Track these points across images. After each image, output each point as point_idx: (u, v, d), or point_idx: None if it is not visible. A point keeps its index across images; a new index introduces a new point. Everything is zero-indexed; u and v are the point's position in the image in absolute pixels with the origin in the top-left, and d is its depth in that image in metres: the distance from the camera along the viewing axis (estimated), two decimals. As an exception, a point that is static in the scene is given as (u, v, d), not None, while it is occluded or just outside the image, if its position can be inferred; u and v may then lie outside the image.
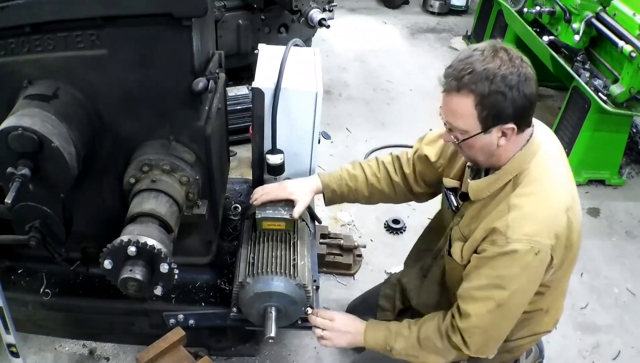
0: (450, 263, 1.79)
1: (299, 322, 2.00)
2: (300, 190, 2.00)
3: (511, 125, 1.50)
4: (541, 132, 1.66)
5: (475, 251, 1.64)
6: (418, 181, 2.01)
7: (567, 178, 1.66)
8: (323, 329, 1.91)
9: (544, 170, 1.59)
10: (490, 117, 1.49)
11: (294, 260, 1.92)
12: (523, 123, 1.53)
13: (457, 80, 1.48)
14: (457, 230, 1.76)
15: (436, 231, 2.02)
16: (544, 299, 1.73)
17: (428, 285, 1.98)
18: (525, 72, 1.47)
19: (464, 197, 1.75)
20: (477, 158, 1.62)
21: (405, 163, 2.02)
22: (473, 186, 1.66)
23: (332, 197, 2.08)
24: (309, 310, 1.92)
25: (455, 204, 1.80)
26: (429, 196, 2.07)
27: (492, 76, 1.44)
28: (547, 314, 1.82)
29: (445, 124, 1.59)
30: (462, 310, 1.66)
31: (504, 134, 1.52)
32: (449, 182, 1.84)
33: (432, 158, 1.92)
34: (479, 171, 1.72)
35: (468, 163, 1.75)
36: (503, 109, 1.47)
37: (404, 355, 1.81)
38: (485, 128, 1.51)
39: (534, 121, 1.62)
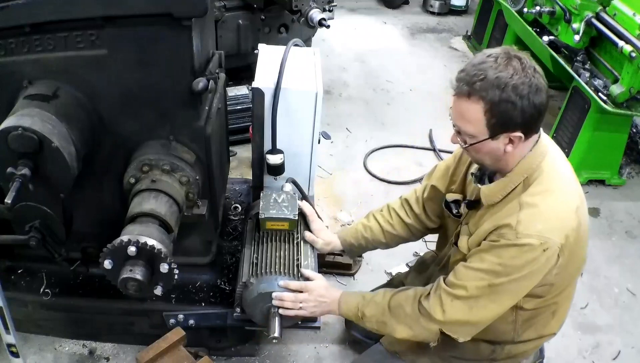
0: (456, 255, 1.80)
1: (300, 323, 2.00)
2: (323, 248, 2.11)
3: (519, 133, 1.51)
4: (545, 136, 1.68)
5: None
6: (430, 217, 2.05)
7: (574, 179, 1.68)
8: (298, 302, 1.87)
9: (553, 171, 1.61)
10: (498, 125, 1.50)
11: (298, 260, 1.92)
12: (530, 131, 1.54)
13: (468, 85, 1.49)
14: (465, 228, 1.77)
15: (440, 244, 2.05)
16: (550, 300, 1.73)
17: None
18: (537, 82, 1.48)
19: (472, 205, 1.76)
20: (484, 162, 1.65)
21: (414, 204, 2.07)
22: (485, 191, 1.67)
23: (351, 250, 2.17)
24: (289, 281, 1.86)
25: (457, 211, 1.83)
26: (437, 229, 2.11)
27: (504, 85, 1.45)
28: (553, 316, 1.82)
29: (453, 125, 1.61)
30: (449, 280, 1.67)
31: (511, 141, 1.54)
32: (450, 196, 1.88)
33: (442, 186, 1.96)
34: (482, 177, 1.73)
35: (471, 171, 1.78)
36: (512, 118, 1.48)
37: (374, 323, 1.81)
38: (493, 135, 1.52)
39: None
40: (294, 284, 1.86)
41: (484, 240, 1.63)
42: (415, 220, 2.08)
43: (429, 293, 1.72)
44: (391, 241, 2.13)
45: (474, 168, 1.78)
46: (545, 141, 1.64)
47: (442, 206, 1.94)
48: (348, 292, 1.92)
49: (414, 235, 2.12)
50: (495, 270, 1.58)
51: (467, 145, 1.58)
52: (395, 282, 2.29)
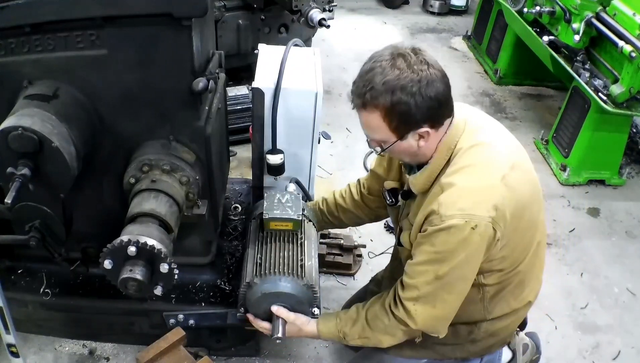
0: (404, 252, 1.81)
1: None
2: None
3: (425, 128, 1.53)
4: (463, 111, 1.67)
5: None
6: (374, 201, 2.10)
7: (503, 145, 1.65)
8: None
9: (472, 144, 1.60)
10: (401, 126, 1.52)
11: (302, 260, 1.92)
12: (436, 122, 1.55)
13: (360, 97, 1.53)
14: (406, 222, 1.78)
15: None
16: (511, 271, 1.71)
17: (393, 281, 1.99)
18: (426, 75, 1.48)
19: (407, 195, 1.79)
20: (404, 160, 1.70)
21: (363, 187, 2.13)
22: (412, 180, 1.69)
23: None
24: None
25: (392, 200, 1.87)
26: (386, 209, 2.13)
27: (392, 89, 1.47)
28: (522, 288, 1.80)
29: (366, 135, 1.64)
30: (404, 282, 1.68)
31: (420, 136, 1.55)
32: (388, 184, 1.91)
33: (381, 172, 1.99)
34: (412, 166, 1.74)
35: (400, 161, 1.81)
36: (411, 117, 1.50)
37: (357, 339, 1.82)
38: (400, 136, 1.55)
39: (455, 105, 1.62)
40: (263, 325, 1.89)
41: (419, 232, 1.63)
42: (363, 199, 2.12)
43: (395, 301, 1.72)
44: (345, 217, 2.19)
45: None
46: (462, 115, 1.64)
47: (381, 186, 1.97)
48: (323, 317, 1.91)
49: (366, 215, 2.17)
50: (434, 259, 1.58)
51: (381, 150, 1.62)
52: (377, 278, 2.31)
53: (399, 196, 1.85)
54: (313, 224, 2.14)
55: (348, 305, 2.44)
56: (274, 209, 1.96)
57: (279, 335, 1.83)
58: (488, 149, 1.61)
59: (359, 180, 2.17)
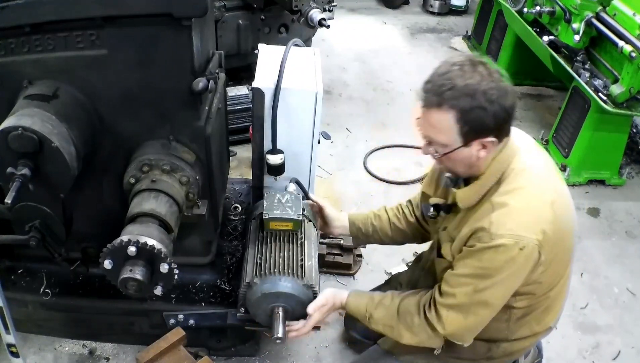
0: (441, 264, 1.80)
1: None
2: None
3: (491, 138, 1.52)
4: (516, 133, 1.68)
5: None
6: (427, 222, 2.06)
7: (550, 172, 1.67)
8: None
9: (524, 167, 1.60)
10: (471, 132, 1.51)
11: (302, 260, 1.92)
12: (502, 135, 1.55)
13: (437, 95, 1.49)
14: (445, 234, 1.78)
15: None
16: (541, 297, 1.73)
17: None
18: (504, 86, 1.49)
19: (449, 209, 1.77)
20: (456, 170, 1.65)
21: (416, 207, 2.09)
22: (460, 194, 1.67)
23: (357, 236, 2.17)
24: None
25: (435, 213, 1.83)
26: None
27: (474, 92, 1.45)
28: (547, 312, 1.82)
29: (424, 137, 1.61)
30: (442, 289, 1.69)
31: (483, 146, 1.54)
32: (433, 200, 1.88)
33: (431, 192, 1.94)
34: (457, 180, 1.74)
35: (446, 174, 1.77)
36: (484, 124, 1.49)
37: (381, 326, 1.82)
38: (466, 142, 1.53)
39: None
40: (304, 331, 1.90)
41: (464, 245, 1.63)
42: (415, 222, 2.09)
43: (430, 304, 1.73)
44: (396, 236, 2.14)
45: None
46: (517, 138, 1.64)
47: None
48: (356, 292, 1.93)
49: (415, 237, 2.14)
50: (477, 274, 1.59)
51: (439, 155, 1.58)
52: (392, 282, 2.30)
53: (440, 211, 1.82)
54: (313, 224, 2.14)
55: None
56: (274, 209, 1.96)
57: (280, 335, 1.82)
58: (539, 174, 1.63)
59: (410, 201, 2.13)
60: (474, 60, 1.51)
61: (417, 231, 2.11)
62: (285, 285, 1.84)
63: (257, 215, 2.09)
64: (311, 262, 1.95)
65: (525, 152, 1.64)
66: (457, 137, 1.52)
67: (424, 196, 1.99)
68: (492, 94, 1.46)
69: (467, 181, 1.68)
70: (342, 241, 2.81)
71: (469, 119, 1.48)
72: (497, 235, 1.52)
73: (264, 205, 1.97)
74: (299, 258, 1.92)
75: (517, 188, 1.57)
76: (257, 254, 1.94)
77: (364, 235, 2.16)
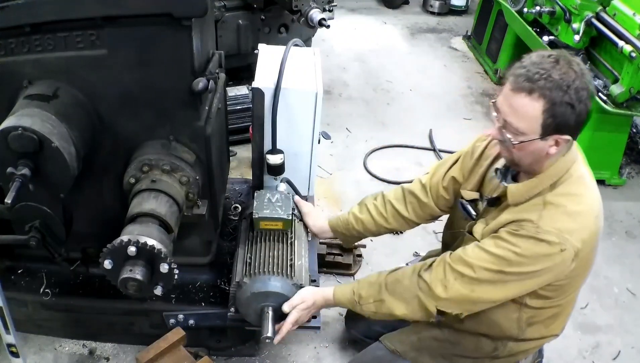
0: (468, 242, 1.75)
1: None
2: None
3: (567, 137, 1.52)
4: (575, 142, 1.68)
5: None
6: (440, 207, 2.02)
7: (596, 186, 1.69)
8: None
9: (582, 176, 1.63)
10: (552, 126, 1.49)
11: (291, 260, 1.92)
12: (575, 135, 1.56)
13: (531, 81, 1.47)
14: (480, 222, 1.75)
15: (448, 244, 2.03)
16: (555, 302, 1.73)
17: None
18: (592, 88, 1.50)
19: (493, 202, 1.74)
20: (522, 161, 1.61)
21: (421, 194, 2.02)
22: (513, 190, 1.64)
23: (344, 239, 2.20)
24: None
25: (474, 213, 1.81)
26: (434, 219, 2.12)
27: (567, 87, 1.45)
28: (557, 318, 1.82)
29: (498, 120, 1.57)
30: (458, 256, 1.65)
31: (557, 143, 1.54)
32: (468, 194, 1.85)
33: (460, 178, 1.92)
34: (506, 174, 1.72)
35: (496, 166, 1.75)
36: (567, 121, 1.48)
37: (372, 303, 1.79)
38: (544, 135, 1.51)
39: None
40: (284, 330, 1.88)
41: (502, 227, 1.62)
42: (417, 213, 2.04)
43: (430, 266, 1.70)
44: (384, 232, 2.14)
45: (500, 163, 1.76)
46: (576, 146, 1.65)
47: (455, 200, 1.93)
48: (341, 284, 1.93)
49: (410, 226, 2.11)
50: (508, 257, 1.57)
51: (514, 142, 1.54)
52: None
53: (483, 204, 1.79)
54: (303, 223, 2.14)
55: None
56: (264, 209, 1.97)
57: (269, 334, 1.82)
58: (591, 186, 1.65)
59: (409, 191, 2.05)
60: (568, 57, 1.50)
61: (411, 223, 2.07)
62: (275, 284, 1.85)
63: (247, 215, 2.09)
64: (301, 262, 1.95)
65: (582, 162, 1.67)
66: (538, 127, 1.50)
67: (454, 181, 1.94)
68: (582, 94, 1.46)
69: (515, 177, 1.69)
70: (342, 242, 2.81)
71: (556, 112, 1.47)
72: (544, 230, 1.53)
73: (254, 205, 1.97)
74: (288, 258, 1.92)
75: (574, 194, 1.59)
76: (247, 253, 1.95)
77: (349, 239, 2.18)
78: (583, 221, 1.57)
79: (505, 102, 1.53)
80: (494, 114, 1.58)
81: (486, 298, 1.66)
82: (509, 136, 1.54)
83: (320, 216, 2.21)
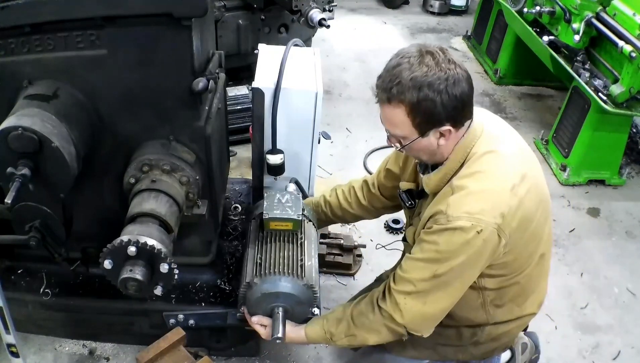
0: (407, 248, 1.82)
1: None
2: None
3: (447, 126, 1.53)
4: (483, 116, 1.69)
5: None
6: (386, 197, 2.11)
7: (516, 157, 1.66)
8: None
9: (488, 150, 1.61)
10: (424, 123, 1.52)
11: (302, 260, 1.92)
12: (458, 122, 1.56)
13: (386, 92, 1.51)
14: (416, 220, 1.78)
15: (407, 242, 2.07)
16: (511, 277, 1.71)
17: None
18: (453, 74, 1.49)
19: (421, 195, 1.80)
20: (421, 158, 1.69)
21: (372, 186, 2.13)
22: (426, 180, 1.70)
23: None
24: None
25: (411, 202, 1.86)
26: (393, 209, 2.20)
27: (420, 85, 1.47)
28: (526, 297, 1.81)
29: (386, 131, 1.64)
30: (398, 276, 1.68)
31: (441, 135, 1.56)
32: (404, 185, 1.90)
33: (397, 170, 1.99)
34: (426, 166, 1.75)
35: (415, 160, 1.81)
36: (435, 114, 1.50)
37: (344, 339, 1.81)
38: (422, 133, 1.55)
39: (475, 109, 1.64)
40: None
41: (423, 228, 1.64)
42: (371, 201, 2.13)
43: (383, 293, 1.73)
44: (349, 218, 2.25)
45: None
46: (480, 121, 1.64)
47: (393, 184, 1.99)
48: (311, 321, 1.92)
49: (371, 214, 2.21)
50: (434, 257, 1.58)
51: (401, 146, 1.61)
52: (382, 278, 2.30)
53: (415, 198, 1.85)
54: (313, 224, 2.14)
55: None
56: (274, 209, 1.96)
57: (279, 334, 1.83)
58: (501, 158, 1.62)
59: (365, 181, 2.16)
60: (423, 50, 1.52)
61: (372, 211, 2.18)
62: (285, 285, 1.84)
63: (257, 215, 2.09)
64: (311, 262, 1.95)
65: (489, 136, 1.64)
66: (412, 129, 1.54)
67: (390, 173, 2.02)
68: (438, 85, 1.47)
69: (434, 166, 1.70)
70: (342, 241, 2.81)
71: (419, 111, 1.50)
72: (454, 217, 1.53)
73: (264, 205, 1.97)
74: (299, 258, 1.92)
75: (476, 172, 1.58)
76: (257, 254, 1.94)
77: (320, 223, 2.24)
78: (494, 196, 1.54)
79: (381, 114, 1.60)
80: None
81: (440, 307, 1.67)
82: (395, 142, 1.62)
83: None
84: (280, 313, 1.86)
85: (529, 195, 1.61)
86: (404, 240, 1.83)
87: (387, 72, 1.52)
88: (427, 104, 1.48)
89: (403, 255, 2.11)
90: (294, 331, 1.89)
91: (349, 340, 1.81)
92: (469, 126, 1.61)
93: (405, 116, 1.51)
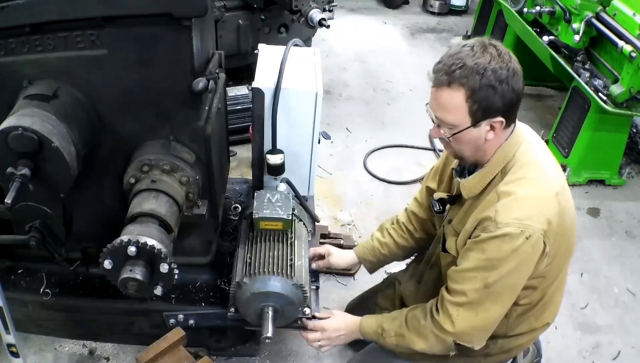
0: (446, 258, 1.80)
1: (299, 322, 2.00)
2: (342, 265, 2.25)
3: (500, 118, 1.53)
4: (525, 128, 1.70)
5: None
6: (419, 229, 2.10)
7: (554, 167, 1.68)
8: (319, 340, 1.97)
9: (530, 158, 1.61)
10: (480, 111, 1.51)
11: (291, 260, 1.92)
12: (510, 117, 1.56)
13: (448, 74, 1.49)
14: (450, 228, 1.77)
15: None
16: (541, 292, 1.72)
17: (423, 289, 2.00)
18: (514, 67, 1.50)
19: (454, 200, 1.78)
20: (464, 153, 1.64)
21: (419, 211, 2.10)
22: (465, 183, 1.68)
23: (372, 267, 2.23)
24: (307, 320, 1.95)
25: (440, 207, 1.85)
26: None
27: (483, 70, 1.46)
28: (545, 308, 1.81)
29: (433, 119, 1.61)
30: (450, 288, 1.68)
31: (492, 128, 1.55)
32: (437, 194, 1.90)
33: (434, 186, 1.98)
34: (462, 171, 1.74)
35: (452, 166, 1.80)
36: (493, 103, 1.49)
37: (393, 337, 1.82)
38: (475, 122, 1.53)
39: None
40: (310, 325, 1.97)
41: (469, 238, 1.63)
42: (423, 228, 2.10)
43: (437, 306, 1.72)
44: (408, 254, 2.21)
45: (454, 163, 1.80)
46: (521, 130, 1.65)
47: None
48: (368, 316, 1.95)
49: (428, 243, 2.12)
50: (483, 266, 1.57)
51: (448, 136, 1.58)
52: (391, 280, 2.30)
53: (446, 204, 1.83)
54: (304, 224, 2.14)
55: (350, 305, 2.45)
56: (264, 209, 1.96)
57: (269, 334, 1.83)
58: (543, 169, 1.63)
59: (411, 211, 2.12)
60: (485, 42, 1.52)
61: (424, 241, 2.12)
62: (275, 284, 1.84)
63: (247, 215, 2.09)
64: (301, 262, 1.95)
65: (530, 144, 1.64)
66: (466, 116, 1.52)
67: (428, 190, 2.00)
68: (501, 73, 1.47)
69: (473, 171, 1.69)
70: (342, 242, 2.81)
71: (478, 97, 1.48)
72: (502, 224, 1.52)
73: (254, 205, 1.97)
74: (288, 258, 1.92)
75: (523, 178, 1.57)
76: (247, 254, 1.95)
77: (377, 265, 2.22)
78: (540, 203, 1.55)
79: (433, 100, 1.57)
80: (430, 114, 1.61)
81: (492, 318, 1.66)
82: (444, 131, 1.58)
83: (343, 252, 2.25)
84: (270, 313, 1.86)
85: (569, 204, 1.63)
86: (444, 251, 1.80)
87: (450, 57, 1.51)
88: (488, 92, 1.47)
89: (425, 263, 2.07)
90: (352, 319, 1.94)
91: (397, 340, 1.82)
92: (512, 131, 1.61)
93: (464, 101, 1.49)
